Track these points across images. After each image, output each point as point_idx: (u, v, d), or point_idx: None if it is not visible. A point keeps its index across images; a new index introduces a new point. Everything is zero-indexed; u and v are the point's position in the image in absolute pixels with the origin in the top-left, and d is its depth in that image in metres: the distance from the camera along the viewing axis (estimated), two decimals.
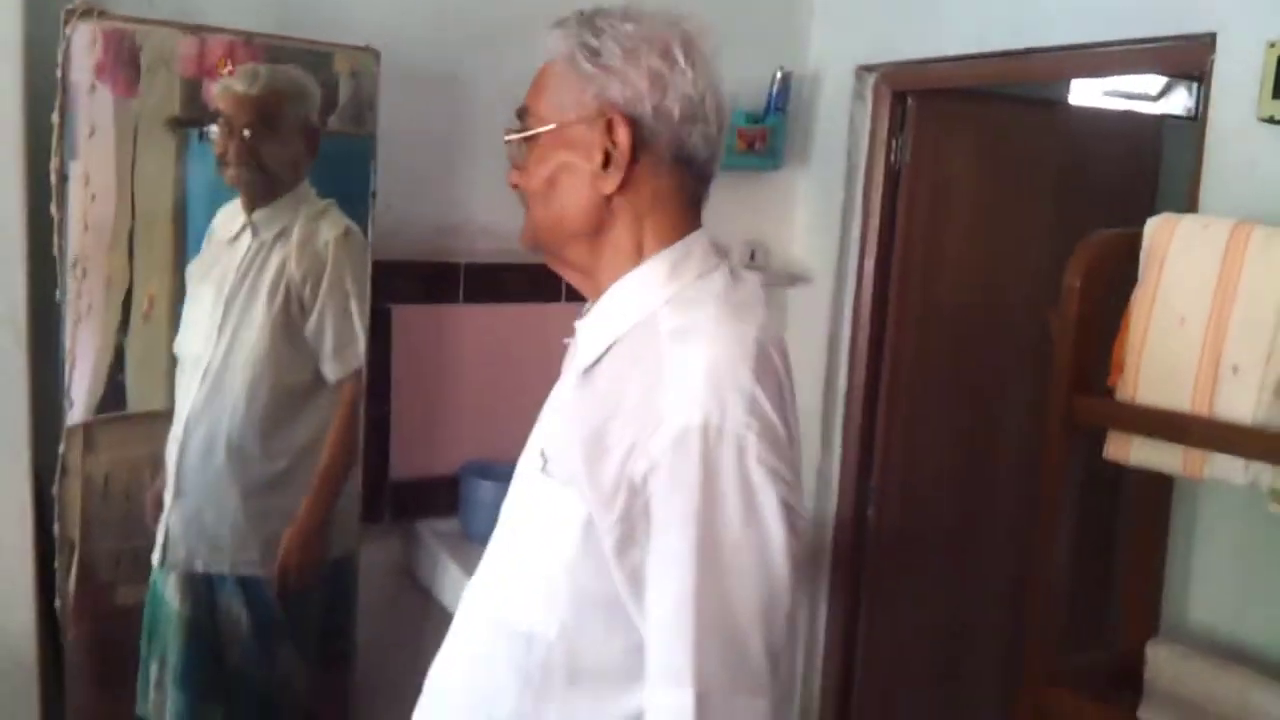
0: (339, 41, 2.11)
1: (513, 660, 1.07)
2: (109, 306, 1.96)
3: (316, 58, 2.08)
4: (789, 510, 0.97)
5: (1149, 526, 1.94)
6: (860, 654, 2.82)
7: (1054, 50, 2.23)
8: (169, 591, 2.07)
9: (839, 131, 2.75)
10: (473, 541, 2.27)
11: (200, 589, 2.09)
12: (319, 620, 2.23)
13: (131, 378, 2.01)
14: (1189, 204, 1.93)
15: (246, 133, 2.00)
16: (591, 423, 1.02)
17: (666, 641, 0.96)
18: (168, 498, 2.05)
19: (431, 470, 2.47)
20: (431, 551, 2.36)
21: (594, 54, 1.06)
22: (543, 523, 1.07)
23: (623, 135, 1.05)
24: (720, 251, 1.13)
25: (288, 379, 2.10)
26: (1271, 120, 1.77)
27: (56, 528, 1.94)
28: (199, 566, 2.08)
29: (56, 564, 1.95)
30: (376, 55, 2.14)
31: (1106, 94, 3.32)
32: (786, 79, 2.71)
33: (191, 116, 1.98)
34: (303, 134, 2.08)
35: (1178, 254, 1.65)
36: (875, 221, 2.70)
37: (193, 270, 2.04)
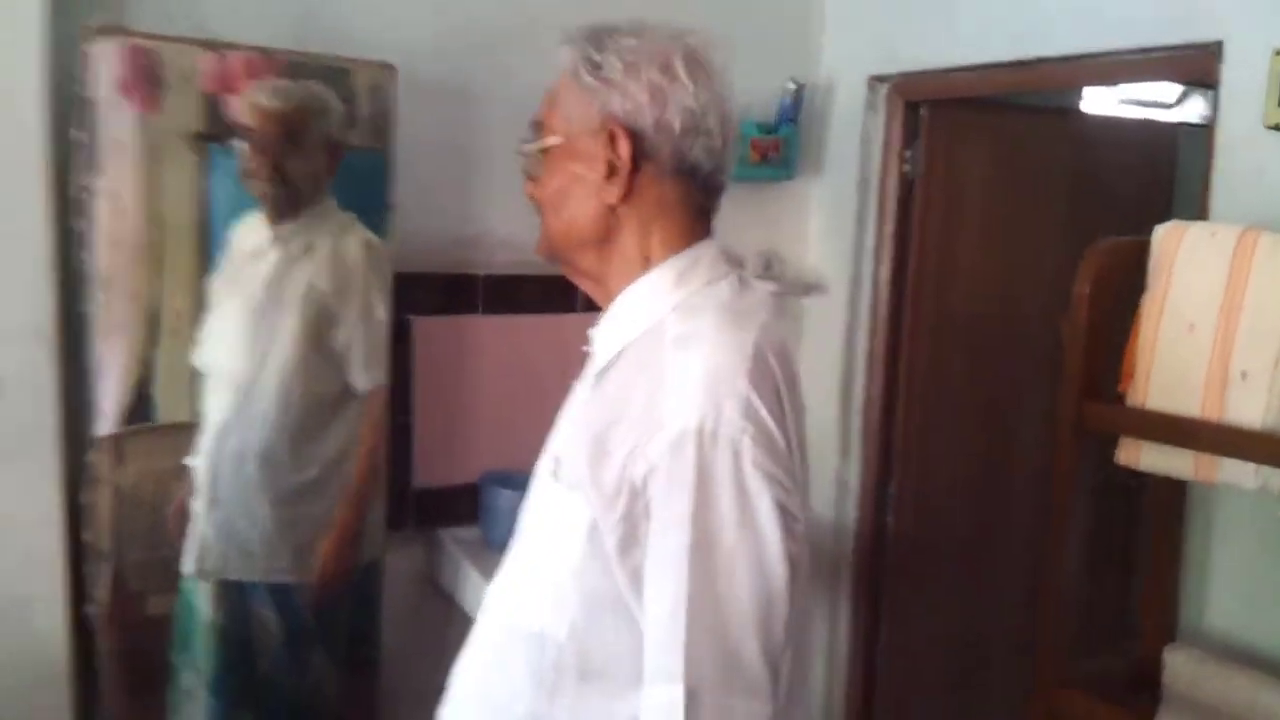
0: (356, 56, 2.15)
1: (527, 662, 1.09)
2: (136, 320, 1.99)
3: (335, 73, 2.12)
4: (785, 514, 0.98)
5: (1165, 532, 1.94)
6: (879, 661, 2.82)
7: (1064, 59, 2.24)
8: (201, 600, 2.09)
9: (852, 141, 2.77)
10: (493, 549, 2.29)
11: (232, 597, 2.11)
12: (347, 626, 2.25)
13: (159, 390, 2.04)
14: (1200, 212, 1.94)
15: (273, 148, 2.02)
16: (596, 427, 1.04)
17: (662, 640, 0.98)
18: (200, 508, 2.07)
19: (452, 479, 2.50)
20: (453, 558, 2.38)
21: (596, 68, 1.08)
22: (553, 526, 1.09)
23: (624, 147, 1.07)
24: (733, 260, 1.15)
25: (317, 389, 2.12)
26: (1278, 128, 1.78)
27: (87, 536, 1.98)
28: (231, 575, 2.10)
29: (86, 572, 1.99)
30: (393, 70, 2.17)
31: (1123, 102, 3.32)
32: (799, 90, 2.73)
33: (213, 132, 2.01)
34: (326, 149, 2.10)
35: (1186, 261, 1.67)
36: (889, 231, 2.70)
37: (216, 284, 2.07)
